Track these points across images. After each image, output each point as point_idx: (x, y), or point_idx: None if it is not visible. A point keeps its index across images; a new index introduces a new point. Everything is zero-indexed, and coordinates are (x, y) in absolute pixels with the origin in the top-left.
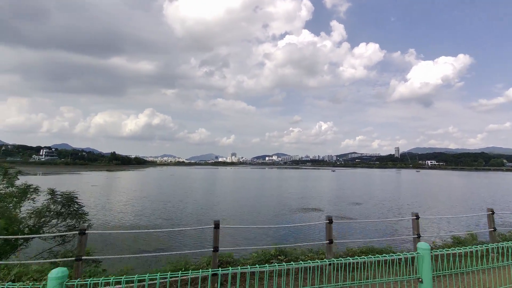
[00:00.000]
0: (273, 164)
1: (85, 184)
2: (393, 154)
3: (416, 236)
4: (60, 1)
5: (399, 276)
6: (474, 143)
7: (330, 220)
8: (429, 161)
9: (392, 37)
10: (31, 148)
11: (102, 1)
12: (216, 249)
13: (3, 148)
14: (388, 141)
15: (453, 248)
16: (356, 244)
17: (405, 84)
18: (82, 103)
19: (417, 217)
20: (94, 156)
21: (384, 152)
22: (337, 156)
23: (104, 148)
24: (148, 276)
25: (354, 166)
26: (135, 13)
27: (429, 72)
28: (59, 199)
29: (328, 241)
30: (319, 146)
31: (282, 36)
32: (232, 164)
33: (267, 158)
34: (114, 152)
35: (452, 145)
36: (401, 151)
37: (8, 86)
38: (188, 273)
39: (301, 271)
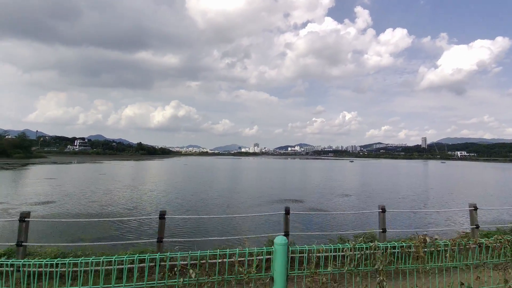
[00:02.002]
0: (295, 154)
1: (94, 173)
2: (420, 145)
3: (475, 226)
4: (91, 0)
5: None
6: None
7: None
8: (459, 152)
9: (422, 21)
10: (67, 139)
11: None
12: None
13: (42, 139)
14: (416, 131)
15: None
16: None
17: (435, 71)
18: (113, 97)
19: (475, 208)
20: (123, 146)
21: (411, 143)
22: (361, 146)
23: (134, 139)
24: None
25: (377, 157)
26: (160, 8)
27: (462, 58)
28: None
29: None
30: (343, 136)
31: (304, 25)
32: (254, 154)
33: (289, 149)
34: (140, 142)
35: (487, 135)
36: (430, 141)
37: (48, 82)
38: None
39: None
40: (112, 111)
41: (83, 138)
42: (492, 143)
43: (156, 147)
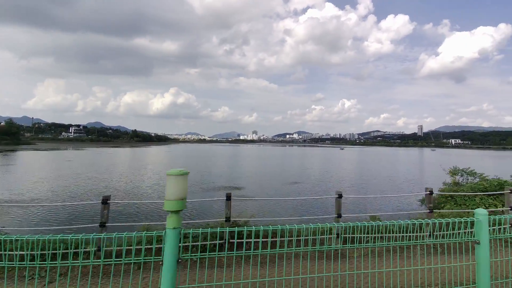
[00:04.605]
0: (292, 142)
1: (61, 160)
2: (417, 133)
3: (429, 210)
4: None
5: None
6: (511, 121)
7: (339, 195)
8: (453, 140)
9: (424, 7)
10: (62, 125)
11: None
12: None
13: (37, 125)
14: (415, 119)
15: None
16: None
17: (436, 58)
18: (112, 84)
19: (431, 193)
20: (118, 133)
21: (409, 131)
22: (359, 134)
23: (134, 126)
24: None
25: (373, 144)
26: None
27: (464, 45)
28: None
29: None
30: (342, 124)
31: (304, 11)
32: (252, 141)
33: (287, 136)
34: (135, 130)
35: (485, 123)
36: (429, 129)
37: (45, 68)
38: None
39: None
40: (111, 98)
41: (78, 125)
42: (489, 131)
43: (152, 134)
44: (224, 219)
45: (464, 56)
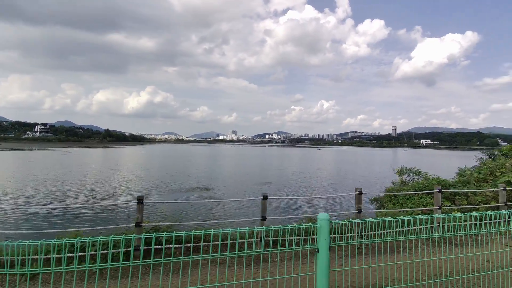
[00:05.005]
0: (271, 142)
1: (22, 161)
2: (391, 134)
3: (357, 211)
4: None
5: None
6: (476, 123)
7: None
8: (424, 141)
9: (399, 13)
10: (27, 124)
11: None
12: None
13: None
14: (390, 120)
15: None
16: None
17: (408, 62)
18: (83, 81)
19: (360, 193)
20: (89, 133)
21: (384, 131)
22: (337, 135)
23: (107, 125)
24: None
25: (349, 145)
26: None
27: (434, 50)
28: None
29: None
30: (321, 124)
31: (284, 12)
32: (231, 142)
33: (267, 136)
34: (108, 129)
35: (453, 125)
36: (402, 130)
37: (9, 63)
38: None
39: None
40: (82, 96)
41: (45, 124)
42: (456, 132)
43: (126, 133)
44: (134, 224)
45: (434, 61)
